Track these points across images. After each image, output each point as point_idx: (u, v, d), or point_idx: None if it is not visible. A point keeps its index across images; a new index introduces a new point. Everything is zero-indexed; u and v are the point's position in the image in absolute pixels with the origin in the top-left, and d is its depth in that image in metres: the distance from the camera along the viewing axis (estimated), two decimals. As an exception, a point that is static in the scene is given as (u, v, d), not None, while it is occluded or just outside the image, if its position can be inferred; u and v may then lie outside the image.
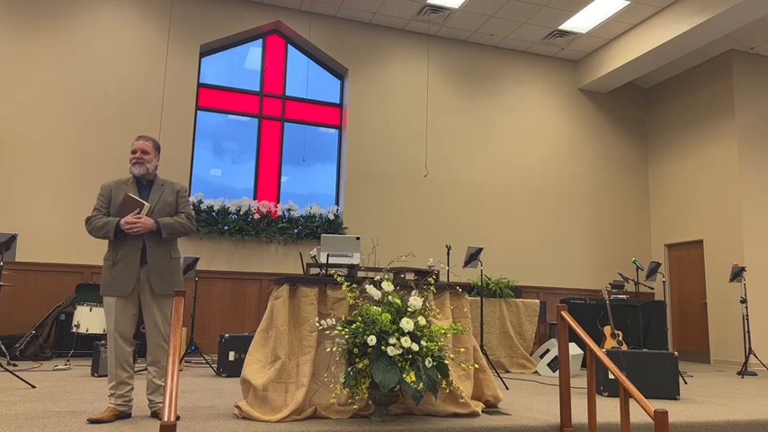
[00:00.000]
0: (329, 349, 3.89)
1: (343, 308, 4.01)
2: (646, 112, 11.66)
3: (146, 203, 3.73)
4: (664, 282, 7.76)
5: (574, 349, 7.10)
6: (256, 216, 8.85)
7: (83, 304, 6.60)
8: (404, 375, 3.51)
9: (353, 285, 3.98)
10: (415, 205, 9.78)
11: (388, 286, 3.88)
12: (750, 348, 8.03)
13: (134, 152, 3.83)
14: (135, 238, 3.71)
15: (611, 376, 5.44)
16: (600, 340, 7.60)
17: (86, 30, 8.55)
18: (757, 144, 9.89)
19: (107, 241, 3.79)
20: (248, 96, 9.41)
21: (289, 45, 9.72)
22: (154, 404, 3.75)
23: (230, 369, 6.00)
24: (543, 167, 10.67)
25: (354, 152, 9.57)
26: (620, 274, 7.81)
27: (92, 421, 3.48)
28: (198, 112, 9.11)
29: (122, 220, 3.66)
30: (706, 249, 10.14)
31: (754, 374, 7.97)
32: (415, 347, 3.61)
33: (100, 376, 5.60)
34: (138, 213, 3.68)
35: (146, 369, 3.80)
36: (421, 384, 3.53)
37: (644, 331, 8.33)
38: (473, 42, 10.51)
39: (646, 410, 3.00)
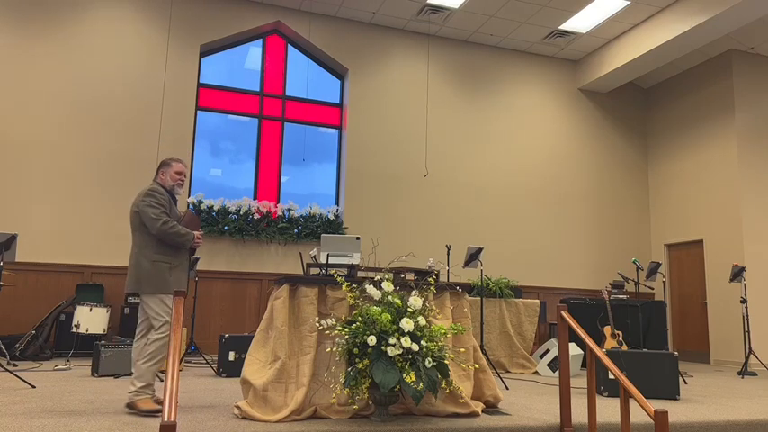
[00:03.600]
0: (329, 349, 3.89)
1: (344, 308, 4.01)
2: (646, 112, 11.66)
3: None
4: (664, 282, 7.76)
5: (574, 349, 7.10)
6: (256, 216, 8.85)
7: (83, 304, 6.60)
8: (404, 375, 3.51)
9: (353, 285, 3.98)
10: (415, 205, 9.78)
11: (388, 286, 3.88)
12: (750, 348, 8.03)
13: (180, 173, 4.22)
14: (186, 249, 4.21)
15: (611, 376, 5.44)
16: (600, 340, 7.60)
17: (86, 30, 8.55)
18: (757, 144, 9.89)
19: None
20: (248, 96, 9.41)
21: (289, 45, 9.72)
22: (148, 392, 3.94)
23: (230, 369, 6.00)
24: (543, 167, 10.67)
25: (354, 152, 9.57)
26: (620, 274, 7.81)
27: (154, 411, 3.74)
28: (198, 112, 9.11)
29: (196, 236, 4.13)
30: (706, 249, 10.14)
31: (754, 374, 7.97)
32: (415, 347, 3.61)
33: (100, 376, 5.60)
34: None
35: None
36: (421, 384, 3.53)
37: (644, 331, 8.33)
38: (473, 42, 10.51)
39: (646, 410, 3.00)
